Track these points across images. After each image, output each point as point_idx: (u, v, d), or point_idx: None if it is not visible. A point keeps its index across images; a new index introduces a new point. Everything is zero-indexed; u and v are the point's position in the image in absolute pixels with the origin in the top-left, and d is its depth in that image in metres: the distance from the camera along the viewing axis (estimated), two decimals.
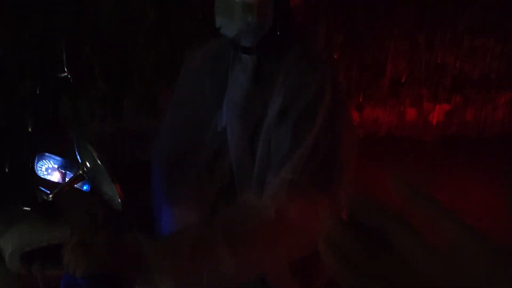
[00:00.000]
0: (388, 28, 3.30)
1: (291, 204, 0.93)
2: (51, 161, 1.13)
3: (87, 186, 1.13)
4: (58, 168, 1.13)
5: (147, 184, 1.32)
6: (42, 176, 1.11)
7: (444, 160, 3.16)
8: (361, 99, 3.30)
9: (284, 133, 0.98)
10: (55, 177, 1.13)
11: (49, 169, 1.13)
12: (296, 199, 0.93)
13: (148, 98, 3.04)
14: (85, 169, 0.90)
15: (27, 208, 0.97)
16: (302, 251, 0.98)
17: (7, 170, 1.03)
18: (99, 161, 0.84)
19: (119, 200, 0.87)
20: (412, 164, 3.10)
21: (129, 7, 2.87)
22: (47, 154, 1.13)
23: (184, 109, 1.24)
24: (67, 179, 1.12)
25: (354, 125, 1.14)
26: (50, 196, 0.93)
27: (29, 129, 1.05)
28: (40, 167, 1.12)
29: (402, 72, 3.32)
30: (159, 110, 3.12)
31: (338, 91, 1.03)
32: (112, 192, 0.88)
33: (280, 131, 0.99)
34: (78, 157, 0.93)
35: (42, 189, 0.97)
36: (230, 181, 1.12)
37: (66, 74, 1.18)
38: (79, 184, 1.15)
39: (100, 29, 2.87)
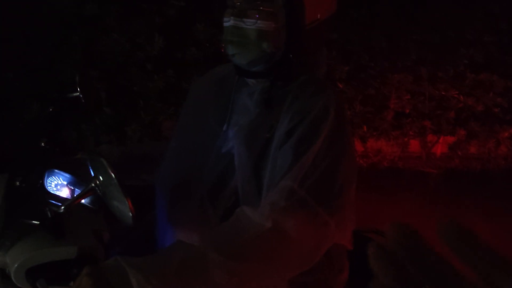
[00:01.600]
0: (392, 61, 3.37)
1: (289, 213, 0.90)
2: (60, 178, 1.13)
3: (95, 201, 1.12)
4: (67, 184, 1.13)
5: (150, 208, 1.31)
6: (51, 192, 1.10)
7: (447, 193, 3.15)
8: (365, 129, 3.32)
9: (287, 150, 0.98)
10: (64, 193, 1.12)
11: (59, 185, 1.12)
12: (294, 209, 0.91)
13: (153, 124, 3.06)
14: (97, 182, 0.90)
15: (35, 222, 0.96)
16: (301, 266, 0.95)
17: (17, 184, 1.03)
18: (112, 175, 0.84)
19: (130, 214, 0.86)
20: (415, 195, 3.08)
21: (137, 36, 2.94)
22: (56, 170, 1.13)
23: (188, 133, 1.25)
24: (75, 196, 1.12)
25: (355, 151, 1.14)
26: (62, 208, 0.93)
27: (42, 144, 1.05)
28: (49, 183, 1.11)
29: (405, 104, 3.36)
30: (163, 136, 3.15)
31: (342, 113, 1.04)
32: (124, 206, 0.87)
33: (283, 149, 0.99)
34: (91, 170, 0.93)
35: (53, 202, 0.96)
36: (233, 204, 1.11)
37: (78, 93, 1.20)
38: (87, 200, 1.14)
39: (108, 56, 2.93)
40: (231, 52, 1.05)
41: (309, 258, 0.95)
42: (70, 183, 1.15)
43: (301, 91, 1.05)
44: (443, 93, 3.35)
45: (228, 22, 1.04)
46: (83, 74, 1.26)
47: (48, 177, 1.13)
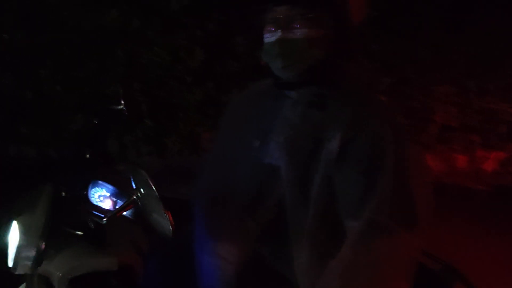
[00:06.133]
0: (437, 73, 3.26)
1: (377, 245, 0.94)
2: (104, 189, 1.15)
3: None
4: (110, 196, 1.15)
5: (187, 220, 1.31)
6: (94, 203, 1.12)
7: (497, 211, 2.98)
8: None
9: (351, 173, 0.98)
10: (107, 204, 1.14)
11: (102, 197, 1.14)
12: (382, 240, 0.95)
13: (192, 136, 3.10)
14: (139, 195, 0.90)
15: (79, 233, 0.98)
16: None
17: (63, 194, 1.05)
18: (153, 188, 0.84)
19: (170, 227, 0.85)
20: (462, 213, 2.93)
21: (178, 49, 3.01)
22: (100, 182, 1.15)
23: (226, 147, 1.26)
24: (117, 208, 1.13)
25: (424, 160, 1.14)
26: (104, 219, 0.94)
27: (87, 156, 1.07)
28: (93, 194, 1.13)
29: (451, 118, 3.23)
30: (202, 148, 3.18)
31: (398, 126, 1.02)
32: (163, 219, 0.87)
33: (345, 170, 0.98)
34: (133, 183, 0.94)
35: (96, 213, 0.97)
36: (276, 216, 1.09)
37: (122, 106, 1.22)
38: (127, 212, 1.16)
39: (149, 69, 3.01)
40: (281, 66, 1.04)
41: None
42: (112, 195, 1.17)
43: (346, 100, 1.03)
44: (492, 106, 3.19)
45: (274, 36, 1.02)
46: (126, 88, 1.29)
47: (92, 188, 1.15)
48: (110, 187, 1.15)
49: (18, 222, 1.04)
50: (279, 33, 1.01)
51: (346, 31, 1.03)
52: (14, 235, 1.04)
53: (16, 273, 1.03)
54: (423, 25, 3.25)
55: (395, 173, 0.96)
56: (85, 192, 1.10)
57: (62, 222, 1.02)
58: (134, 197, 0.91)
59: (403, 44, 3.22)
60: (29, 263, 1.00)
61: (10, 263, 1.04)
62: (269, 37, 1.04)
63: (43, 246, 1.00)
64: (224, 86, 3.05)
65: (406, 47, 3.22)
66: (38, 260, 1.00)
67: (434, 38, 3.24)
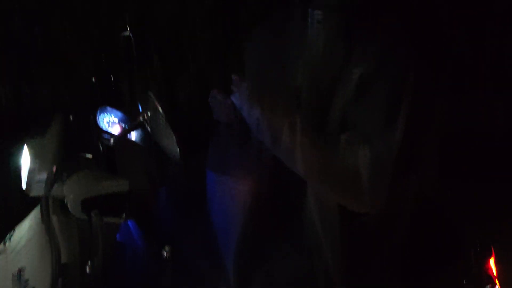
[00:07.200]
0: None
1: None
2: (112, 115, 1.16)
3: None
4: (118, 121, 1.16)
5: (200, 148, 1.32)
6: (103, 129, 1.14)
7: None
8: None
9: (367, 106, 0.97)
10: (115, 130, 1.15)
11: (110, 122, 1.15)
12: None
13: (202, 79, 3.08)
14: (145, 116, 0.91)
15: (89, 156, 1.00)
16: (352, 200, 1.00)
17: (71, 118, 1.06)
18: (160, 109, 0.84)
19: (178, 149, 0.86)
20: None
21: None
22: (109, 107, 1.16)
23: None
24: (124, 129, 1.14)
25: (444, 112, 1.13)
26: (111, 140, 0.95)
27: (93, 80, 1.07)
28: (102, 119, 1.14)
29: None
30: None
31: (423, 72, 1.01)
32: (171, 142, 0.87)
33: (360, 103, 0.98)
34: (140, 105, 0.94)
35: (105, 136, 0.98)
36: None
37: (128, 33, 1.20)
38: (140, 141, 1.17)
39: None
40: None
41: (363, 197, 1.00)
42: (121, 120, 1.17)
43: (374, 38, 1.01)
44: None
45: None
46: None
47: (100, 114, 1.16)
48: (118, 112, 1.16)
49: (28, 146, 1.06)
50: None
51: None
52: (25, 159, 1.07)
53: (30, 195, 1.07)
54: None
55: (410, 114, 0.96)
56: (92, 117, 1.11)
57: (73, 146, 1.04)
58: (141, 119, 0.91)
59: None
60: (41, 185, 1.03)
61: (24, 186, 1.07)
62: None
63: (54, 169, 1.02)
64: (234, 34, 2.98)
65: None
66: (50, 182, 1.03)
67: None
